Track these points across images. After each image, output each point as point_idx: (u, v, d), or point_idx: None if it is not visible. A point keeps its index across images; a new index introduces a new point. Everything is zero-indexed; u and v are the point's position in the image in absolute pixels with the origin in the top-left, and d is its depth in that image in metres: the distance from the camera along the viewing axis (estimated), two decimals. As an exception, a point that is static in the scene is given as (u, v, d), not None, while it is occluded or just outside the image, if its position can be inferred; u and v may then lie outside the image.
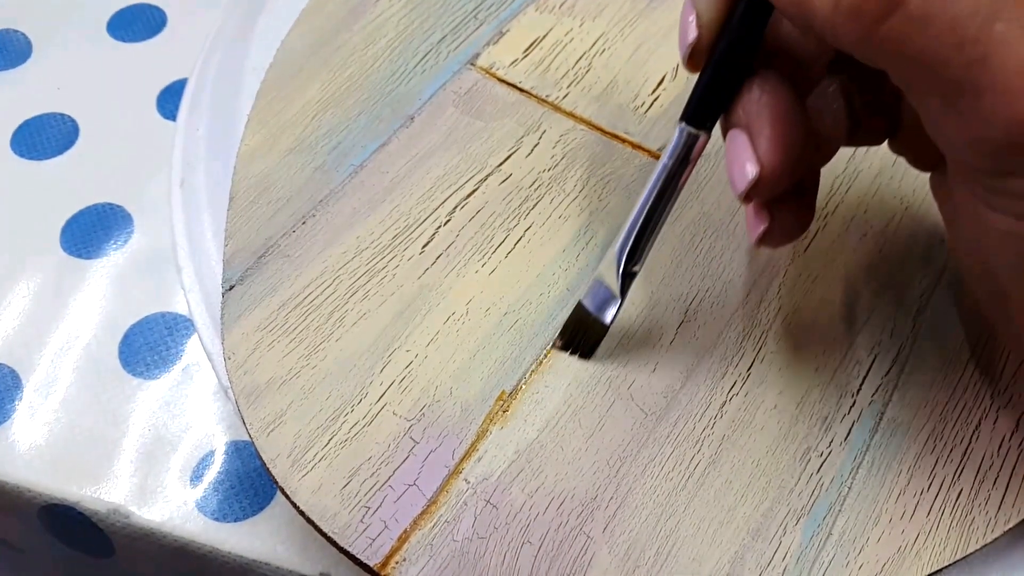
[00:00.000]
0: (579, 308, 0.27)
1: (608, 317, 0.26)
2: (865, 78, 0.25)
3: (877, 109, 0.26)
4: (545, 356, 0.27)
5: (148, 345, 0.30)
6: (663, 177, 0.25)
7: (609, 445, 0.25)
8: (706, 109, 0.24)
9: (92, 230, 0.32)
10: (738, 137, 0.23)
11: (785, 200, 0.24)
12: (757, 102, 0.23)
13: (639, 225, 0.25)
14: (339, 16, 0.35)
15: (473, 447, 0.25)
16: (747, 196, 0.23)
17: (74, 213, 0.32)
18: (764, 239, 0.25)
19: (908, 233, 0.30)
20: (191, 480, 0.28)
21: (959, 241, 0.24)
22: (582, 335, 0.27)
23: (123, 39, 0.37)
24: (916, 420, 0.27)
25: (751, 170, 0.23)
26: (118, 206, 0.33)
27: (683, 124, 0.25)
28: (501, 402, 0.26)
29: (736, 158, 0.23)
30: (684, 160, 0.25)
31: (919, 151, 0.26)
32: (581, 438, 0.25)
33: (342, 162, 0.31)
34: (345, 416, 0.25)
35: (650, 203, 0.25)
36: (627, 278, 0.26)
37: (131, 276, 0.31)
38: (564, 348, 0.27)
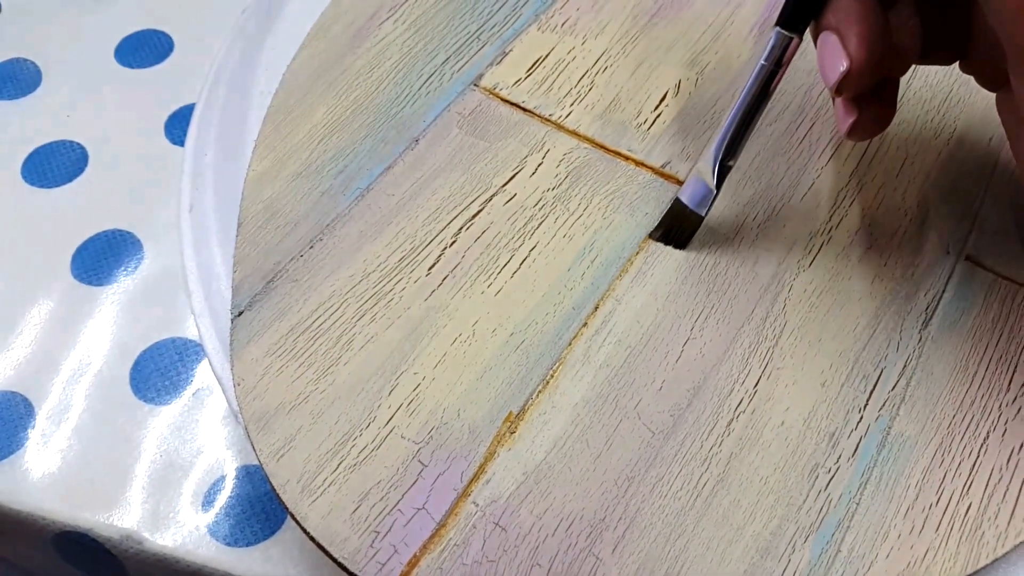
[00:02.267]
0: (676, 203, 0.30)
1: (704, 210, 0.29)
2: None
3: (948, 27, 0.28)
4: (552, 376, 0.27)
5: (159, 371, 0.30)
6: (760, 78, 0.28)
7: (617, 465, 0.25)
8: (800, 14, 0.27)
9: (102, 257, 0.32)
10: (829, 38, 0.26)
11: (870, 97, 0.28)
12: (846, 8, 0.26)
13: (736, 123, 0.28)
14: (344, 39, 0.35)
15: (481, 469, 0.25)
16: (838, 88, 0.26)
17: (84, 240, 0.33)
18: (853, 130, 0.28)
19: (913, 245, 0.30)
20: (203, 505, 0.28)
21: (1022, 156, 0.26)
22: (679, 227, 0.30)
23: (131, 65, 0.38)
24: (923, 434, 0.27)
25: (842, 64, 0.26)
26: (128, 232, 0.33)
27: (778, 28, 0.27)
28: (509, 423, 0.26)
29: (828, 56, 0.26)
30: (778, 62, 0.28)
31: (987, 71, 0.28)
32: (588, 458, 0.26)
33: (348, 186, 0.31)
34: (354, 440, 0.25)
35: (747, 103, 0.28)
36: (723, 171, 0.29)
37: (141, 302, 0.31)
38: (661, 239, 0.30)
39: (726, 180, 0.29)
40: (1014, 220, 0.31)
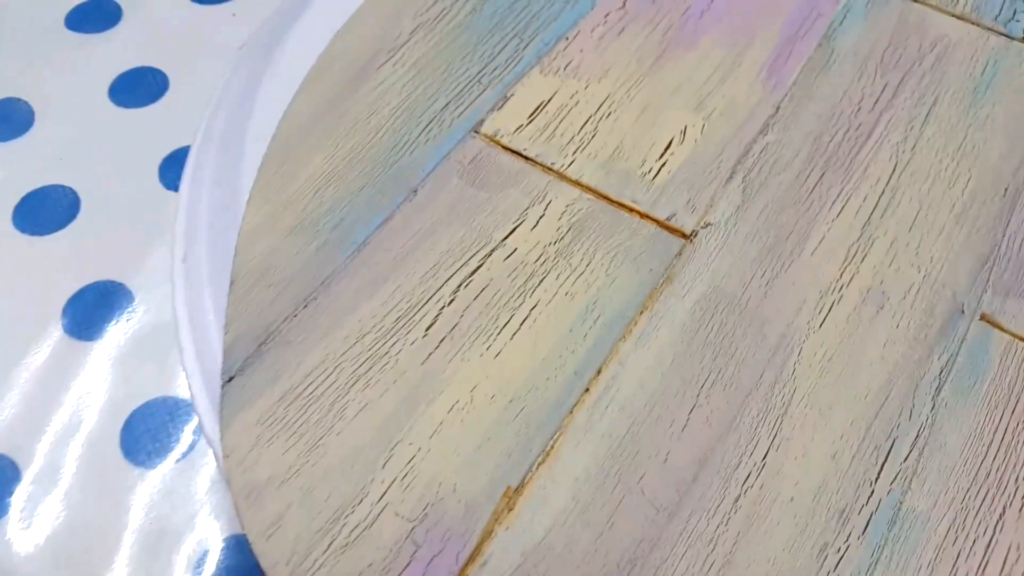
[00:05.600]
0: None
1: None
2: None
3: None
4: (552, 446, 0.26)
5: (150, 432, 0.29)
6: None
7: (619, 546, 0.25)
8: None
9: (94, 309, 0.32)
10: None
11: None
12: None
13: None
14: (343, 82, 0.34)
15: (478, 550, 0.24)
16: None
17: (75, 292, 0.32)
18: None
19: (926, 304, 0.29)
20: (192, 574, 0.27)
21: None
22: None
23: (125, 105, 0.37)
24: (936, 510, 0.26)
25: None
26: (119, 283, 0.32)
27: None
28: (507, 499, 0.25)
29: None
30: None
31: None
32: (590, 538, 0.25)
33: (345, 240, 0.30)
34: (346, 518, 0.25)
35: None
36: None
37: (132, 357, 0.31)
38: None
39: (734, 235, 0.28)
40: (1031, 277, 0.30)
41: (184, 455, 0.29)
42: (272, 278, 0.29)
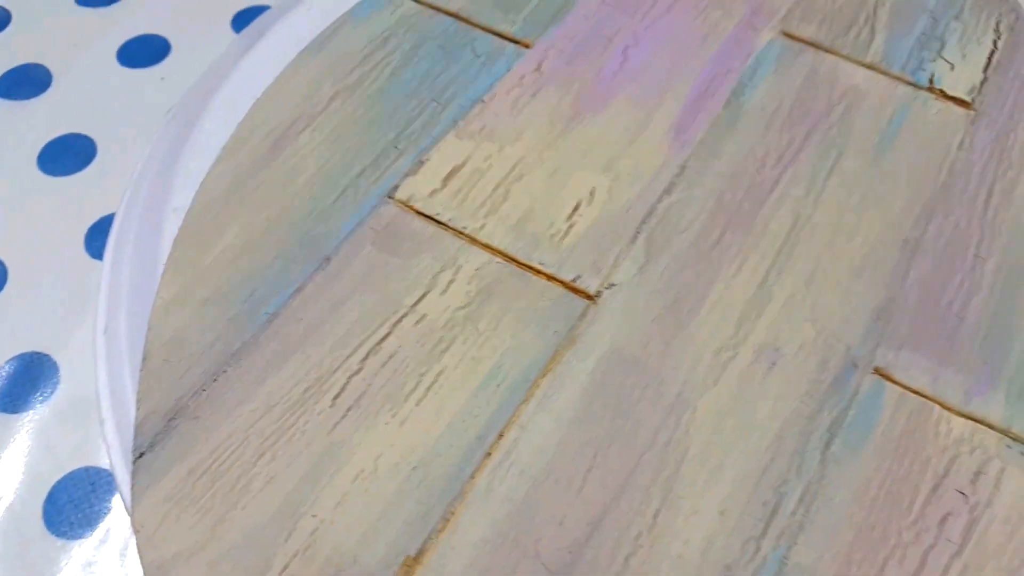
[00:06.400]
0: None
1: None
2: None
3: None
4: (452, 513, 0.27)
5: (72, 503, 0.30)
6: None
7: (510, 611, 0.26)
8: None
9: (19, 382, 0.32)
10: None
11: None
12: None
13: None
14: (261, 151, 0.35)
15: (374, 621, 0.25)
16: None
17: (1, 363, 0.33)
18: None
19: (819, 359, 0.31)
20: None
21: None
22: None
23: (53, 173, 0.38)
24: (821, 564, 0.27)
25: None
26: (45, 355, 0.33)
27: None
28: (405, 568, 0.26)
29: None
30: None
31: None
32: (483, 604, 0.26)
33: (257, 311, 0.31)
34: (249, 591, 0.26)
35: None
36: None
37: (56, 429, 0.32)
38: None
39: (636, 296, 0.29)
40: (925, 329, 0.32)
41: (106, 528, 0.30)
42: (183, 352, 0.30)
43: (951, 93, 0.39)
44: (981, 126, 0.38)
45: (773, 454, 0.29)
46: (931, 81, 0.39)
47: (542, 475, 0.28)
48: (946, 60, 0.40)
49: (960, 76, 0.40)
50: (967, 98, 0.39)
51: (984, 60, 0.40)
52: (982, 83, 0.39)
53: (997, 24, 0.42)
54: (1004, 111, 0.39)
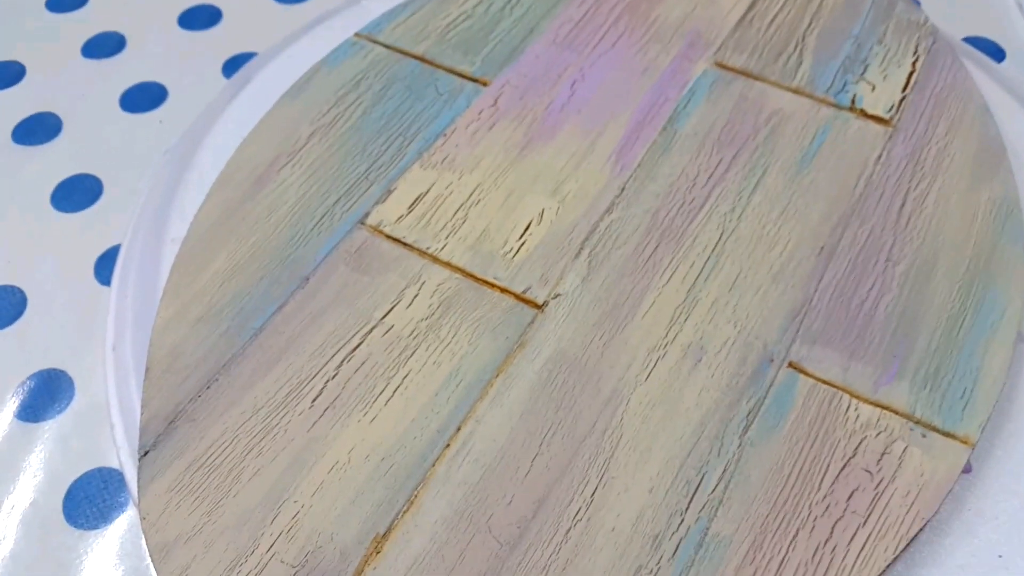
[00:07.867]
0: None
1: None
2: None
3: None
4: (416, 496, 0.31)
5: (88, 499, 0.34)
6: None
7: (464, 577, 0.30)
8: None
9: (39, 395, 0.37)
10: None
11: None
12: None
13: None
14: (246, 186, 0.40)
15: (347, 588, 0.29)
16: None
17: (24, 378, 0.37)
18: None
19: (739, 355, 0.35)
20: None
21: None
22: None
23: (65, 209, 0.42)
24: (738, 533, 0.31)
25: None
26: (61, 371, 0.37)
27: None
28: (375, 544, 0.30)
29: None
30: None
31: None
32: (443, 573, 0.30)
33: (244, 326, 0.35)
34: (240, 566, 0.30)
35: None
36: None
37: (72, 435, 0.36)
38: None
39: (578, 304, 0.33)
40: (837, 327, 0.36)
41: (117, 516, 0.34)
42: (180, 363, 0.34)
43: (871, 112, 0.43)
44: (898, 141, 0.42)
45: (696, 439, 0.33)
46: (853, 101, 0.43)
47: (494, 462, 0.32)
48: (868, 82, 0.44)
49: (880, 96, 0.44)
50: (886, 116, 0.43)
51: (903, 80, 0.45)
52: (901, 101, 0.44)
53: (916, 47, 0.46)
54: (920, 126, 0.43)
